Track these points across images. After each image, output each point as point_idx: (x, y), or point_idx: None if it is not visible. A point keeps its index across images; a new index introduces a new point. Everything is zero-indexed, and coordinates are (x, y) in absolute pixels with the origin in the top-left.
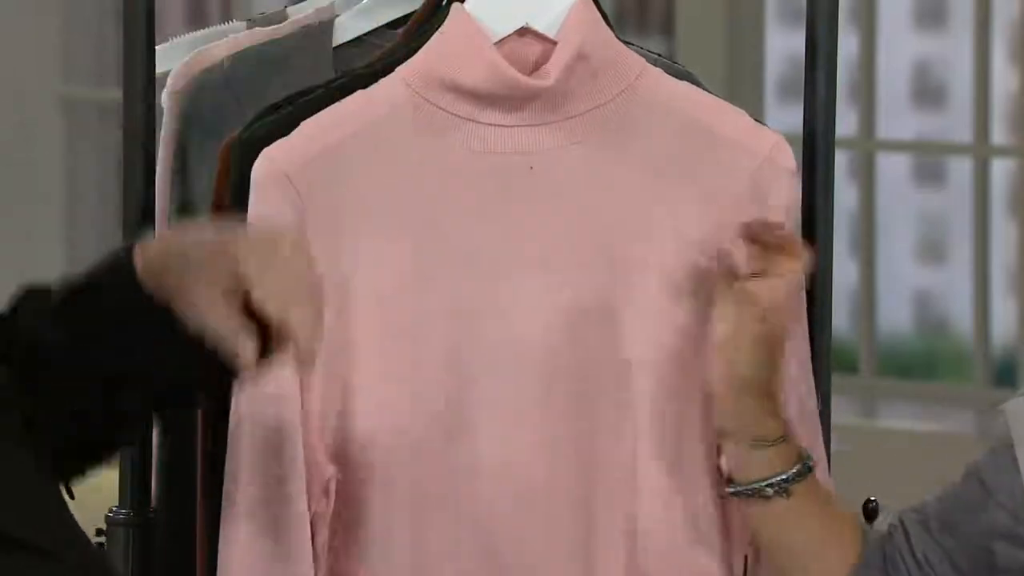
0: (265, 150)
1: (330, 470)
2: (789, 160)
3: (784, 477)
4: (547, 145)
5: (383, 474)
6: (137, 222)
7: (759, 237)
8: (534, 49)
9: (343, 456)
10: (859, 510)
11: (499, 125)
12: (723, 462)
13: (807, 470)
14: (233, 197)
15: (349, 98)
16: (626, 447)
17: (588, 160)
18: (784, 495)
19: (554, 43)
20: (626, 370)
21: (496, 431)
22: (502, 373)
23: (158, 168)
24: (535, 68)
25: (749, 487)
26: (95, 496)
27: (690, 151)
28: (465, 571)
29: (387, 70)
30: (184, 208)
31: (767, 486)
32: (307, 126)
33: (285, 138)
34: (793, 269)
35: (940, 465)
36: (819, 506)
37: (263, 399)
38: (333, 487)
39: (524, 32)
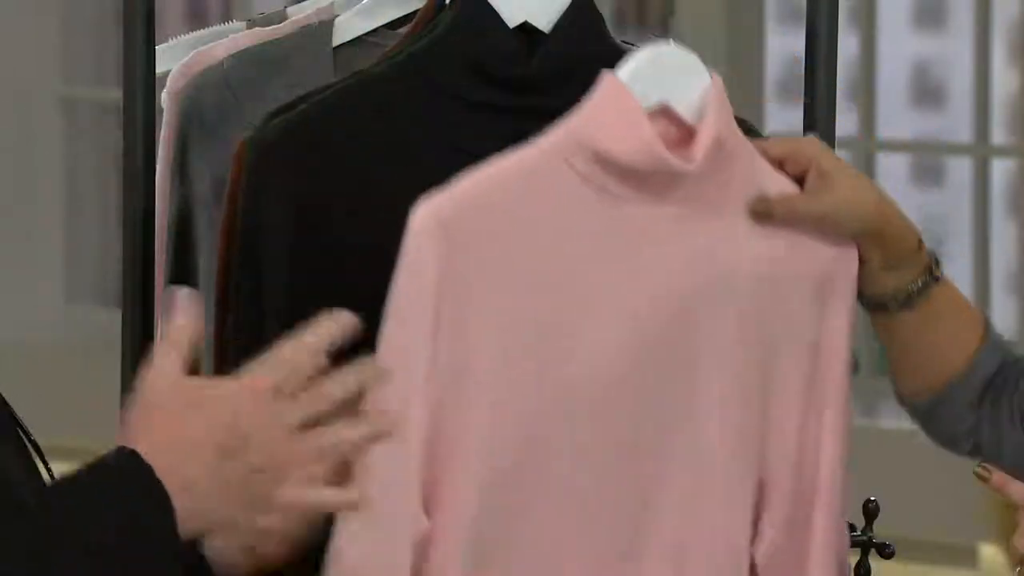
0: (427, 201)
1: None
2: None
3: (908, 292)
4: (669, 217)
5: (479, 507)
6: (137, 222)
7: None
8: (671, 129)
9: (441, 487)
10: (859, 510)
11: (635, 202)
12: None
13: (932, 281)
14: (246, 197)
15: (505, 160)
16: (687, 484)
17: (700, 229)
18: (909, 308)
19: (687, 125)
20: (696, 417)
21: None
22: (587, 414)
23: (158, 168)
24: (673, 149)
25: (873, 300)
26: None
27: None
28: None
29: (392, 70)
30: (184, 208)
31: (891, 300)
32: (467, 182)
33: (447, 191)
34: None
35: (940, 465)
36: (939, 316)
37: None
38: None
39: (661, 111)
